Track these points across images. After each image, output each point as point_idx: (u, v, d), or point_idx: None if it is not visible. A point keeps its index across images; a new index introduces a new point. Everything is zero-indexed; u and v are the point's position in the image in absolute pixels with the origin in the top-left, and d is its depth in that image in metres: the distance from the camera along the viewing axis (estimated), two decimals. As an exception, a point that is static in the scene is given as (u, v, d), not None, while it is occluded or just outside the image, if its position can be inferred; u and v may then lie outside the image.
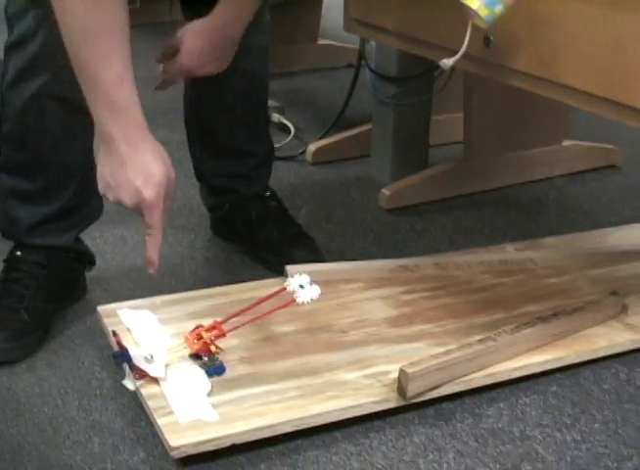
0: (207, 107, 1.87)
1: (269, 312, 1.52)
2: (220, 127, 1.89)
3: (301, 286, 1.51)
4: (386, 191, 2.22)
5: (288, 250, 1.86)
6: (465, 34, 1.53)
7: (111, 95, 1.31)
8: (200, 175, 2.00)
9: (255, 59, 1.83)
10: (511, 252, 1.93)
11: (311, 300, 1.50)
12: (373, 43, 2.35)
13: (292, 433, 1.38)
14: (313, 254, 1.87)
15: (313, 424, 1.39)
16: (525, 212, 2.23)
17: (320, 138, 2.55)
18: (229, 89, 1.82)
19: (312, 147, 2.51)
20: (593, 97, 1.47)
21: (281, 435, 1.37)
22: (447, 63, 1.58)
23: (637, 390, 1.55)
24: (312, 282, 1.52)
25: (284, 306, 1.51)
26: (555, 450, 1.39)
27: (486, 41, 1.62)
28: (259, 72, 1.87)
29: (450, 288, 1.76)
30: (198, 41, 1.65)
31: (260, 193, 1.96)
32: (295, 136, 2.64)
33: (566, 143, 2.48)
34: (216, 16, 1.64)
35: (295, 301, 1.51)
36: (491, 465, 1.36)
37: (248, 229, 1.93)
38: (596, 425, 1.46)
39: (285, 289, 1.52)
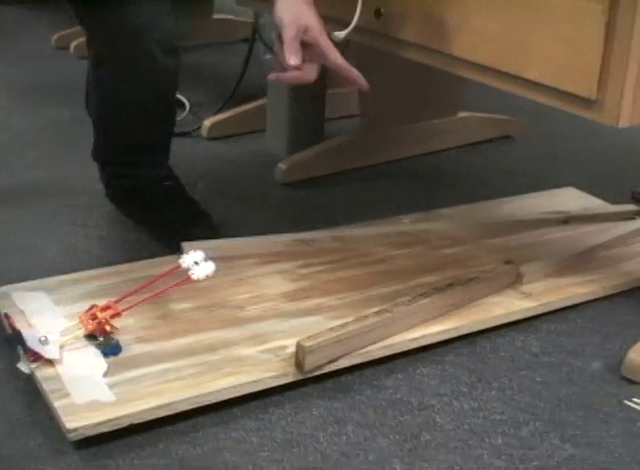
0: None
1: (164, 290, 1.51)
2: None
3: (196, 263, 1.50)
4: (282, 165, 2.21)
5: (184, 227, 1.84)
6: (356, 6, 1.52)
7: None
8: (96, 155, 1.97)
9: None
10: (407, 223, 1.94)
11: (206, 276, 1.49)
12: (267, 17, 2.33)
13: (190, 411, 1.36)
14: (210, 230, 1.85)
15: (211, 401, 1.37)
16: (422, 184, 2.25)
17: (215, 113, 2.53)
18: None
19: (207, 122, 2.49)
20: (483, 68, 1.49)
21: (179, 413, 1.35)
22: (339, 35, 1.58)
23: (533, 357, 1.57)
24: (207, 258, 1.51)
25: (179, 284, 1.50)
26: (453, 419, 1.41)
27: (377, 13, 1.61)
28: None
29: (347, 261, 1.76)
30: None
31: (157, 174, 1.94)
32: (190, 112, 2.61)
33: (461, 114, 2.50)
34: None
35: (189, 278, 1.49)
36: (390, 436, 1.36)
37: (144, 207, 1.91)
38: (493, 392, 1.47)
39: (180, 266, 1.50)
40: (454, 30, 1.51)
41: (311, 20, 1.54)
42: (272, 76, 1.59)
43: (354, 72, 1.58)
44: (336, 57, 1.55)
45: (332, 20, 1.71)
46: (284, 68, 1.54)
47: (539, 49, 1.38)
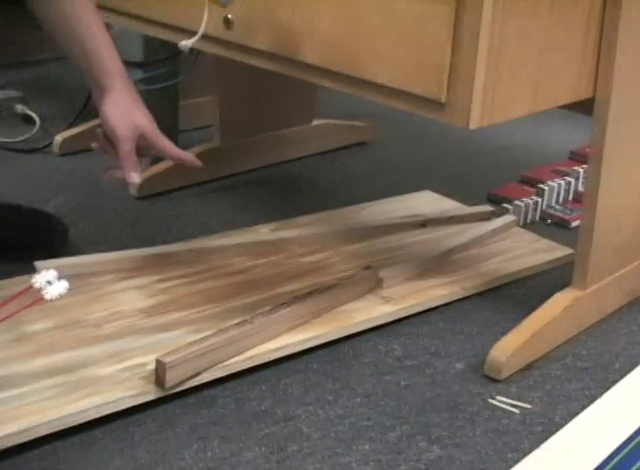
0: None
1: (17, 312, 1.45)
2: None
3: (49, 282, 1.45)
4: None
5: (36, 246, 1.78)
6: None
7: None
8: None
9: None
10: (266, 233, 1.93)
11: (60, 295, 1.44)
12: (117, 28, 2.28)
13: (50, 434, 1.31)
14: (63, 248, 1.79)
15: (72, 423, 1.33)
16: (279, 193, 2.23)
17: (67, 128, 2.46)
18: None
19: (59, 138, 2.42)
20: (333, 73, 1.48)
21: (39, 437, 1.30)
22: (186, 44, 1.55)
23: (396, 361, 1.57)
24: (61, 277, 1.46)
25: (32, 305, 1.45)
26: (319, 428, 1.39)
27: (226, 21, 1.59)
28: None
29: (206, 273, 1.73)
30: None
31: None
32: (40, 127, 2.54)
33: (316, 122, 2.50)
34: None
35: (43, 298, 1.44)
36: (257, 449, 1.34)
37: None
38: (358, 399, 1.47)
39: (32, 286, 1.45)
40: (303, 37, 1.50)
41: (143, 121, 1.53)
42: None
43: (188, 156, 1.60)
44: (170, 150, 1.56)
45: (180, 29, 1.69)
46: (116, 165, 1.54)
47: (388, 53, 1.37)
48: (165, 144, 1.55)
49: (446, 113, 1.34)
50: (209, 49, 1.68)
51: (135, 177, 1.52)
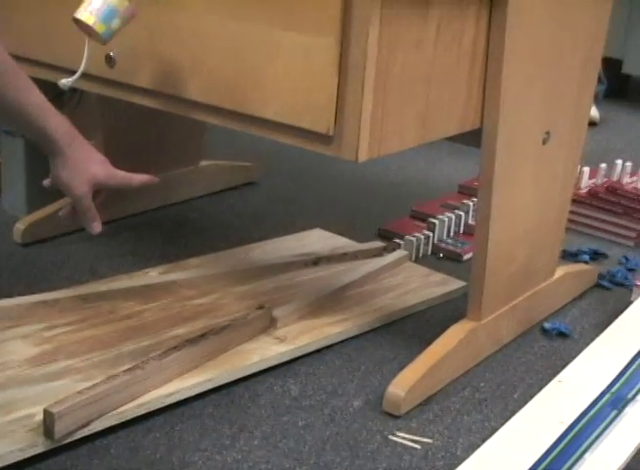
0: None
1: None
2: None
3: None
4: (20, 225, 2.10)
5: None
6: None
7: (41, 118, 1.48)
8: None
9: None
10: (155, 276, 1.88)
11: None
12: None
13: None
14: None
15: (-45, 482, 1.26)
16: (168, 235, 2.19)
17: None
18: None
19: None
20: (220, 110, 1.45)
21: None
22: (66, 83, 1.51)
23: (293, 401, 1.54)
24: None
25: None
26: (216, 474, 1.35)
27: (108, 59, 1.56)
28: None
29: (93, 319, 1.68)
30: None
31: None
32: None
33: (203, 163, 2.46)
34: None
35: None
36: (152, 499, 1.29)
37: None
38: (255, 442, 1.43)
39: None
40: (188, 73, 1.47)
41: (96, 172, 1.57)
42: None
43: (148, 179, 1.67)
44: (130, 183, 1.62)
45: (60, 69, 1.65)
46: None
47: (274, 87, 1.36)
48: (123, 181, 1.60)
49: (334, 146, 1.32)
50: (91, 88, 1.64)
51: (97, 227, 1.60)
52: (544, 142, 1.65)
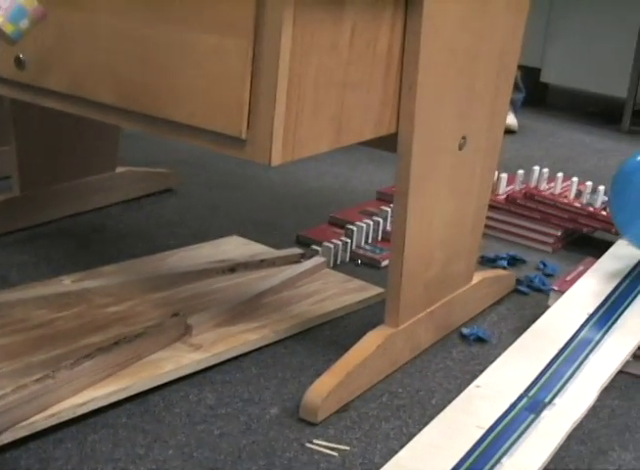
0: None
1: None
2: None
3: None
4: None
5: None
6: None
7: None
8: None
9: None
10: (68, 284, 1.84)
11: None
12: None
13: None
14: None
15: None
16: (83, 243, 2.15)
17: None
18: None
19: None
20: (132, 113, 1.42)
21: None
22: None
23: (209, 409, 1.52)
24: None
25: None
26: (128, 485, 1.32)
27: (18, 61, 1.52)
28: None
29: (4, 328, 1.64)
30: None
31: None
32: None
33: (119, 170, 2.43)
34: None
35: None
36: (61, 511, 1.26)
37: None
38: (170, 451, 1.40)
39: None
40: (100, 76, 1.44)
41: None
42: None
43: None
44: None
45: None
46: None
47: (187, 90, 1.33)
48: None
49: (247, 149, 1.30)
50: (1, 91, 1.60)
51: None
52: (460, 147, 1.66)
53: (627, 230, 1.96)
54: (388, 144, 1.56)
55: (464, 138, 1.66)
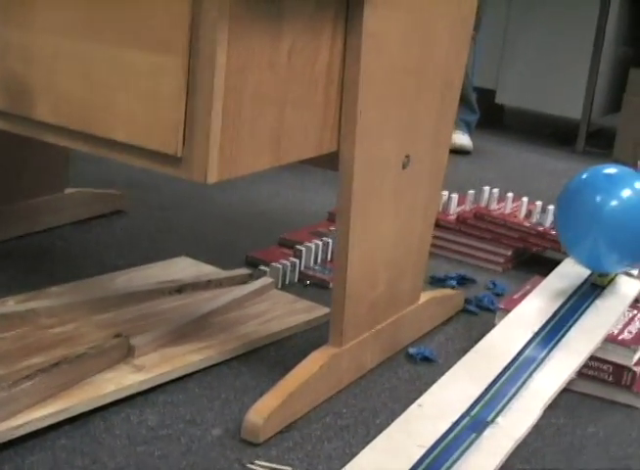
0: None
1: None
2: None
3: None
4: None
5: None
6: None
7: None
8: None
9: None
10: (12, 305, 1.82)
11: None
12: None
13: None
14: None
15: None
16: (32, 264, 2.13)
17: None
18: None
19: None
20: (70, 131, 1.41)
21: None
22: None
23: (150, 431, 1.50)
24: None
25: None
26: (65, 508, 1.30)
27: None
28: None
29: (-57, 350, 1.62)
30: None
31: None
32: None
33: (69, 191, 2.41)
34: None
35: None
36: None
37: None
38: (108, 474, 1.39)
39: None
40: (38, 94, 1.43)
41: None
42: None
43: None
44: None
45: None
46: None
47: (123, 107, 1.33)
48: None
49: (183, 168, 1.30)
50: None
51: None
52: (404, 166, 1.66)
53: (574, 249, 1.96)
54: (330, 163, 1.56)
55: (407, 157, 1.66)
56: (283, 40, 1.34)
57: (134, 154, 1.34)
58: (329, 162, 1.56)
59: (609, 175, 1.93)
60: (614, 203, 1.87)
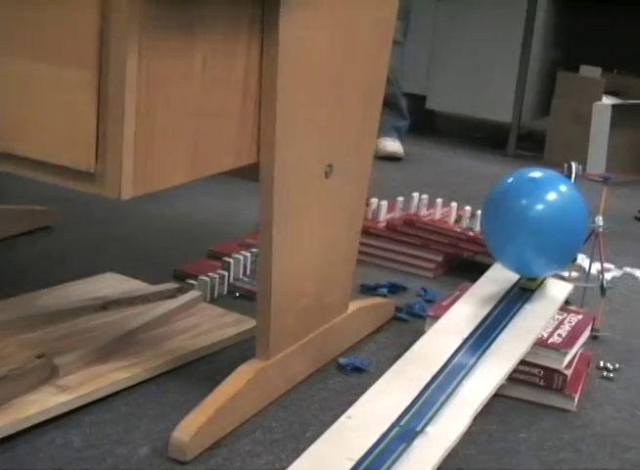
0: None
1: None
2: None
3: None
4: None
5: None
6: None
7: None
8: None
9: None
10: None
11: None
12: None
13: None
14: None
15: None
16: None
17: None
18: None
19: None
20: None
21: None
22: None
23: (75, 452, 1.47)
24: None
25: None
26: None
27: None
28: None
29: None
30: None
31: None
32: None
33: (-7, 207, 2.37)
34: None
35: None
36: None
37: None
38: (33, 499, 1.36)
39: None
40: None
41: None
42: None
43: None
44: None
45: None
46: None
47: (35, 124, 1.30)
48: None
49: (97, 183, 1.27)
50: None
51: None
52: (327, 175, 1.64)
53: (501, 254, 1.96)
54: (252, 174, 1.54)
55: (330, 166, 1.64)
56: (196, 50, 1.32)
57: (48, 171, 1.31)
58: (251, 173, 1.54)
59: (533, 179, 1.93)
60: (539, 206, 1.88)
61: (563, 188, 1.91)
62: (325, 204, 1.67)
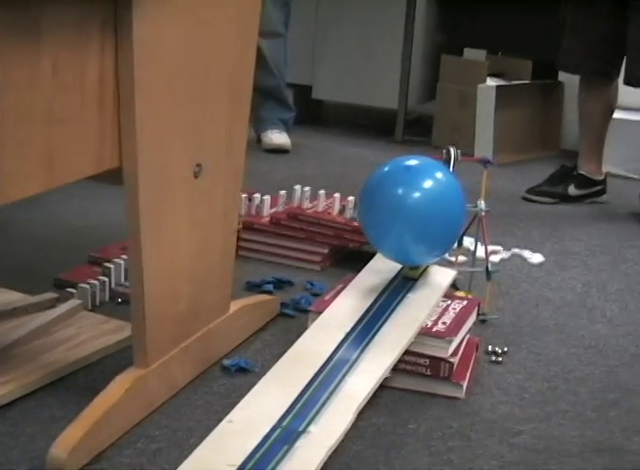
0: None
1: None
2: None
3: None
4: None
5: None
6: None
7: None
8: None
9: None
10: None
11: None
12: None
13: None
14: None
15: None
16: None
17: None
18: None
19: None
20: None
21: None
22: None
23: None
24: None
25: None
26: None
27: None
28: None
29: None
30: None
31: None
32: None
33: None
34: None
35: None
36: None
37: None
38: None
39: None
40: None
41: None
42: None
43: None
44: None
45: None
46: None
47: None
48: None
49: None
50: None
51: None
52: (196, 175, 1.61)
53: (381, 244, 1.94)
54: (117, 178, 1.50)
55: (199, 166, 1.61)
56: (44, 56, 1.27)
57: None
58: (116, 177, 1.50)
59: (409, 167, 1.91)
60: (416, 194, 1.86)
61: (438, 175, 1.90)
62: (196, 204, 1.63)
